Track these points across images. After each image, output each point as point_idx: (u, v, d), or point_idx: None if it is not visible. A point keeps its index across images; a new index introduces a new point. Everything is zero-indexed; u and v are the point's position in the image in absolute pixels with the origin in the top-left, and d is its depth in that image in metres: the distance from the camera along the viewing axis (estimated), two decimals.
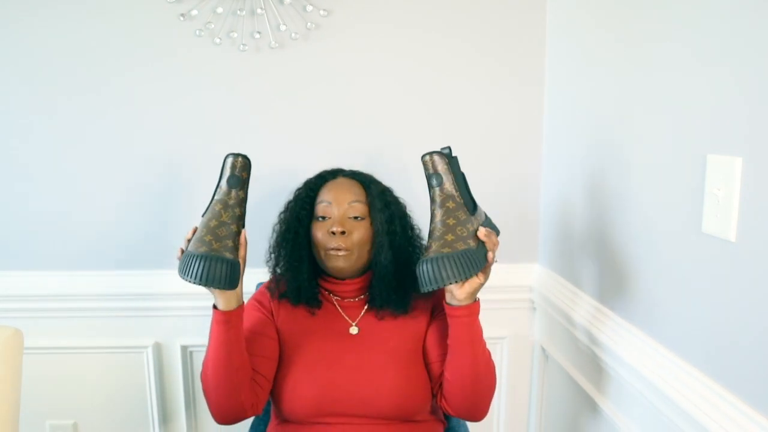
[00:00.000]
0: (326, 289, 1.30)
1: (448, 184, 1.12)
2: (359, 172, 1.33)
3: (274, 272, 1.31)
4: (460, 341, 1.15)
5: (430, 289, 1.06)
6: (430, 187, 1.13)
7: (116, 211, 1.64)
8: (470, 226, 1.11)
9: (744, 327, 0.90)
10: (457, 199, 1.12)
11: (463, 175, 1.16)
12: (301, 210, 1.27)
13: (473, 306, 1.13)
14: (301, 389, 1.20)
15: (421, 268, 1.07)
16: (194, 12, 1.52)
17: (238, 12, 1.54)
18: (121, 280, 1.66)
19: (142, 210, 1.64)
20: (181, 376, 1.72)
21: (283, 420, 1.25)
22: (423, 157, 1.13)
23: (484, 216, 1.19)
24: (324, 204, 1.25)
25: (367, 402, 1.20)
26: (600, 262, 1.36)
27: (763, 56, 0.84)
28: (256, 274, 1.47)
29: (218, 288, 1.06)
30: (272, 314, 1.28)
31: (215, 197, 1.14)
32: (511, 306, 1.73)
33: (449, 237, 1.08)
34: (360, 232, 1.23)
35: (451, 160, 1.13)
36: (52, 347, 1.68)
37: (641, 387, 1.15)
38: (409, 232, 1.31)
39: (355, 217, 1.24)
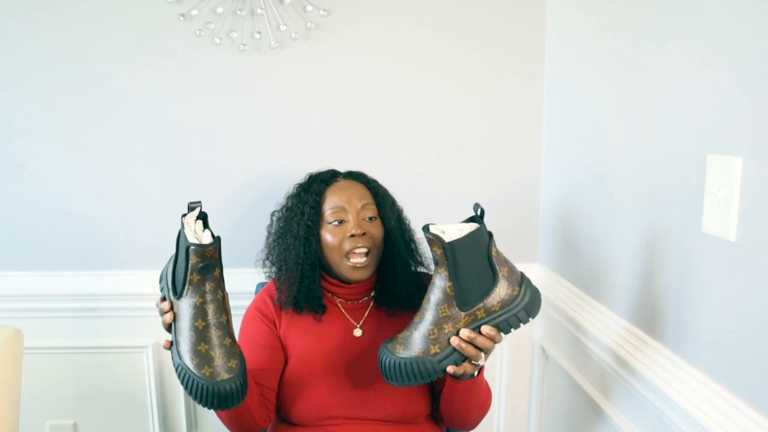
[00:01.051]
0: (330, 292, 1.29)
1: (443, 270, 0.99)
2: (356, 172, 1.32)
3: (281, 280, 1.26)
4: (455, 396, 1.15)
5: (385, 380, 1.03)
6: (432, 260, 1.02)
7: (116, 211, 1.64)
8: (447, 326, 0.99)
9: (744, 327, 0.90)
10: (448, 291, 0.99)
11: (468, 264, 0.97)
12: (310, 218, 1.22)
13: (476, 378, 1.11)
14: (307, 393, 1.20)
15: (380, 353, 1.03)
16: (194, 12, 1.52)
17: (238, 12, 1.54)
18: (122, 280, 1.66)
19: (143, 210, 1.64)
20: None
21: (286, 422, 1.25)
22: (424, 231, 1.00)
23: (501, 303, 1.00)
24: (336, 209, 1.22)
25: (372, 405, 1.20)
26: (600, 262, 1.36)
27: (763, 56, 0.84)
28: (256, 274, 1.47)
29: (233, 407, 1.01)
30: (275, 324, 1.27)
31: (188, 287, 0.98)
32: None
33: (415, 334, 1.01)
34: (377, 231, 1.23)
35: (448, 246, 0.97)
36: (52, 347, 1.68)
37: (641, 387, 1.15)
38: (410, 227, 1.32)
39: (369, 218, 1.23)
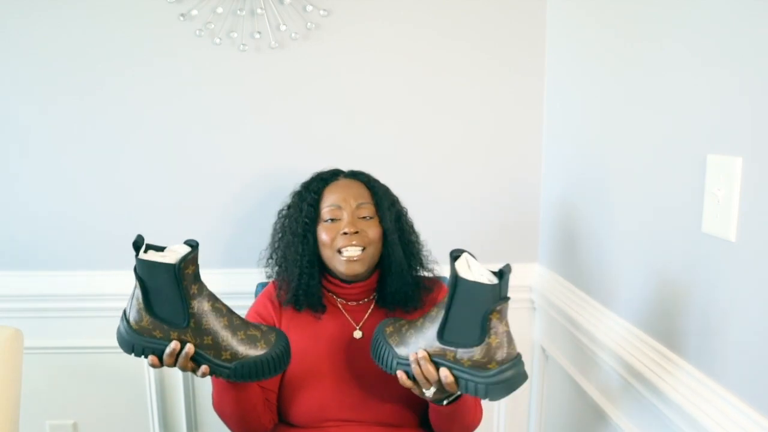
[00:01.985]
0: (331, 292, 1.29)
1: (446, 297, 0.99)
2: (359, 171, 1.32)
3: (280, 278, 1.28)
4: (437, 415, 1.16)
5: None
6: None
7: (116, 211, 1.64)
8: (420, 342, 1.01)
9: (744, 326, 0.90)
10: (441, 315, 0.99)
11: (489, 306, 0.94)
12: (308, 215, 1.24)
13: (450, 407, 1.11)
14: (306, 395, 1.20)
15: (382, 322, 1.13)
16: (194, 12, 1.52)
17: (238, 12, 1.54)
18: (122, 279, 1.66)
19: (143, 210, 1.64)
20: (181, 376, 1.72)
21: (286, 423, 1.25)
22: (451, 252, 0.99)
23: (471, 364, 0.97)
24: (332, 207, 1.23)
25: (371, 408, 1.20)
26: (600, 262, 1.36)
27: (763, 56, 0.84)
28: (256, 274, 1.47)
29: (285, 369, 1.07)
30: (276, 325, 1.27)
31: (192, 301, 0.99)
32: (511, 306, 1.68)
33: (405, 329, 1.07)
34: (372, 231, 1.23)
35: (459, 284, 0.95)
36: (52, 347, 1.68)
37: (641, 387, 1.15)
38: (413, 229, 1.32)
39: (365, 217, 1.23)
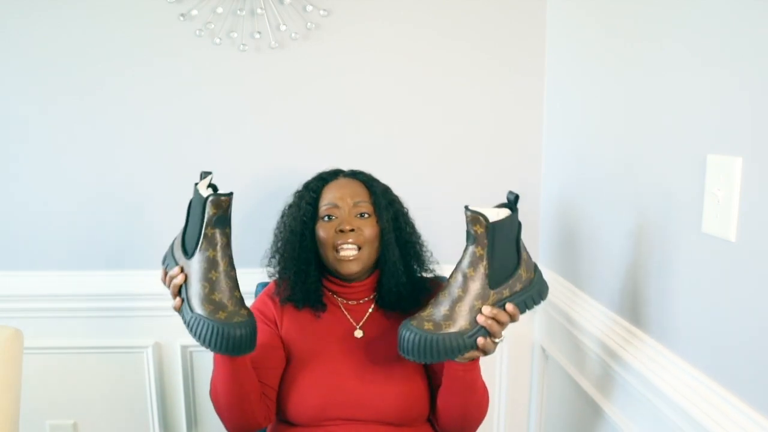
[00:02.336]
0: (331, 291, 1.29)
1: (479, 249, 1.02)
2: (359, 171, 1.33)
3: (279, 276, 1.29)
4: (453, 387, 1.15)
5: (402, 354, 1.03)
6: (467, 238, 1.03)
7: (116, 211, 1.64)
8: (477, 303, 1.02)
9: (744, 327, 0.90)
10: (481, 270, 1.02)
11: (506, 242, 1.02)
12: (306, 213, 1.25)
13: (473, 363, 1.12)
14: (307, 393, 1.20)
15: (402, 331, 1.03)
16: (194, 12, 1.52)
17: (238, 12, 1.54)
18: (121, 279, 1.66)
19: (143, 210, 1.64)
20: (181, 376, 1.72)
21: (286, 422, 1.25)
22: (465, 210, 1.02)
23: (522, 285, 1.05)
24: (329, 205, 1.24)
25: (371, 407, 1.20)
26: (600, 262, 1.36)
27: (763, 56, 0.84)
28: (256, 274, 1.47)
29: (245, 354, 1.05)
30: (276, 323, 1.27)
31: (202, 241, 1.04)
32: None
33: (442, 310, 1.02)
34: (368, 229, 1.23)
35: (491, 225, 1.00)
36: (52, 347, 1.68)
37: (641, 387, 1.15)
38: (413, 230, 1.32)
39: (362, 215, 1.24)
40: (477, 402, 1.18)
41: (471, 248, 1.02)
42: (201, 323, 1.01)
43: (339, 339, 1.25)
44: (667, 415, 1.07)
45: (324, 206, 1.25)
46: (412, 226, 1.32)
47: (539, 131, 1.65)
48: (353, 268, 1.22)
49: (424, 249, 1.32)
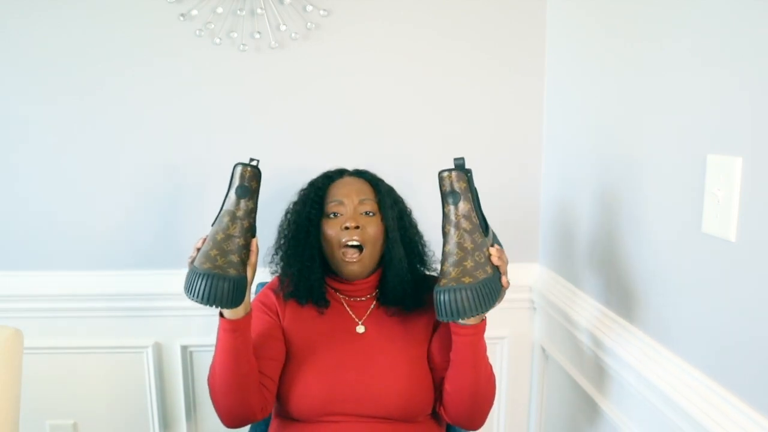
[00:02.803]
0: (334, 288, 1.30)
1: (466, 204, 1.07)
2: (364, 170, 1.34)
3: (283, 272, 1.30)
4: (463, 359, 1.15)
5: (449, 320, 1.04)
6: (445, 203, 1.08)
7: (116, 211, 1.64)
8: (486, 250, 1.07)
9: (744, 327, 0.90)
10: (474, 220, 1.07)
11: (476, 191, 1.10)
12: (311, 210, 1.26)
13: (479, 325, 1.13)
14: (308, 388, 1.20)
15: (441, 297, 1.03)
16: (194, 12, 1.52)
17: (238, 12, 1.54)
18: (122, 280, 1.66)
19: (143, 210, 1.64)
20: (181, 376, 1.72)
21: (287, 418, 1.25)
22: (441, 173, 1.07)
23: (492, 234, 1.14)
24: (335, 202, 1.25)
25: (374, 402, 1.20)
26: (600, 262, 1.36)
27: (763, 56, 0.84)
28: (256, 274, 1.47)
29: (222, 307, 1.06)
30: (278, 315, 1.28)
31: (224, 207, 1.10)
32: (511, 306, 1.72)
33: (468, 263, 1.04)
34: (373, 227, 1.24)
35: (469, 177, 1.08)
36: (52, 347, 1.68)
37: (641, 387, 1.15)
38: (416, 229, 1.33)
39: (367, 213, 1.25)
40: (486, 378, 1.17)
41: (460, 205, 1.07)
42: (189, 273, 1.05)
43: (341, 334, 1.26)
44: (666, 415, 1.07)
45: (330, 203, 1.26)
46: (415, 226, 1.33)
47: (539, 131, 1.65)
48: (356, 270, 1.24)
49: (426, 249, 1.33)
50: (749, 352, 0.89)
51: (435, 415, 1.29)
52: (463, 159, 1.09)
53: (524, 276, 1.71)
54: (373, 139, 1.63)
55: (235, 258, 1.07)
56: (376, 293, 1.30)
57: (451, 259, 1.05)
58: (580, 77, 1.43)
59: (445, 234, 1.08)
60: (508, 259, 1.10)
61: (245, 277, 1.08)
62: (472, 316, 1.03)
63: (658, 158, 1.10)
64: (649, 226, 1.14)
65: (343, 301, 1.30)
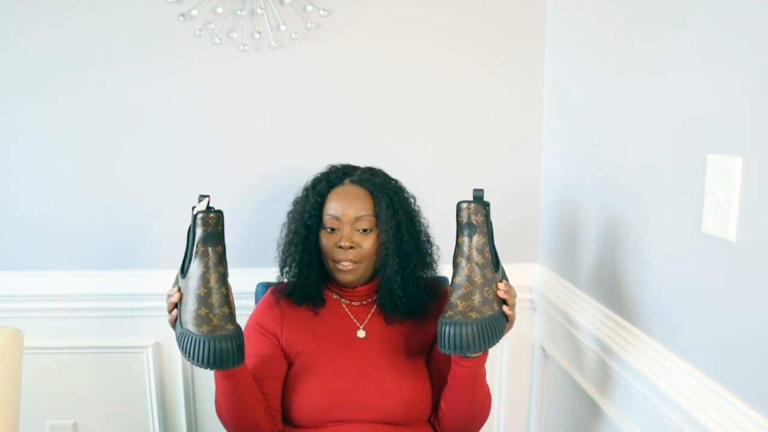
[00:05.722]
0: (335, 292, 1.30)
1: (481, 237, 1.07)
2: (368, 175, 1.28)
3: (280, 269, 1.30)
4: (461, 385, 1.16)
5: (451, 353, 1.04)
6: (460, 234, 1.08)
7: (116, 210, 1.64)
8: (494, 286, 1.07)
9: (744, 327, 0.90)
10: (486, 255, 1.07)
11: (491, 225, 1.10)
12: (310, 217, 1.25)
13: (481, 358, 1.13)
14: (311, 395, 1.20)
15: (446, 329, 1.03)
16: (194, 12, 1.52)
17: (238, 12, 1.54)
18: (121, 280, 1.66)
19: (142, 210, 1.64)
20: (181, 376, 1.72)
21: (291, 424, 1.25)
22: (460, 204, 1.07)
23: (502, 270, 1.14)
24: (331, 217, 1.23)
25: (375, 407, 1.20)
26: (600, 262, 1.36)
27: (763, 56, 0.84)
28: (256, 274, 1.47)
29: (232, 367, 1.04)
30: (276, 336, 1.26)
31: (193, 258, 1.06)
32: None
33: (476, 298, 1.05)
34: (368, 244, 1.23)
35: (487, 211, 1.08)
36: (52, 347, 1.68)
37: (642, 387, 1.15)
38: (418, 235, 1.28)
39: (364, 230, 1.23)
40: (482, 402, 1.19)
41: (475, 238, 1.07)
42: (187, 338, 1.03)
43: (342, 339, 1.25)
44: (666, 415, 1.07)
45: (327, 216, 1.24)
46: (420, 231, 1.29)
47: (539, 131, 1.65)
48: (349, 278, 1.24)
49: (428, 256, 1.30)
50: (750, 353, 0.89)
51: (433, 424, 1.29)
52: (482, 191, 1.09)
53: (524, 276, 1.71)
54: (373, 139, 1.63)
55: (225, 310, 1.04)
56: (377, 297, 1.29)
57: (460, 292, 1.06)
58: (580, 77, 1.43)
59: (456, 265, 1.08)
60: (516, 293, 1.11)
61: (240, 328, 1.06)
62: (475, 352, 1.03)
63: (658, 158, 1.10)
64: (649, 226, 1.14)
65: (344, 306, 1.29)
